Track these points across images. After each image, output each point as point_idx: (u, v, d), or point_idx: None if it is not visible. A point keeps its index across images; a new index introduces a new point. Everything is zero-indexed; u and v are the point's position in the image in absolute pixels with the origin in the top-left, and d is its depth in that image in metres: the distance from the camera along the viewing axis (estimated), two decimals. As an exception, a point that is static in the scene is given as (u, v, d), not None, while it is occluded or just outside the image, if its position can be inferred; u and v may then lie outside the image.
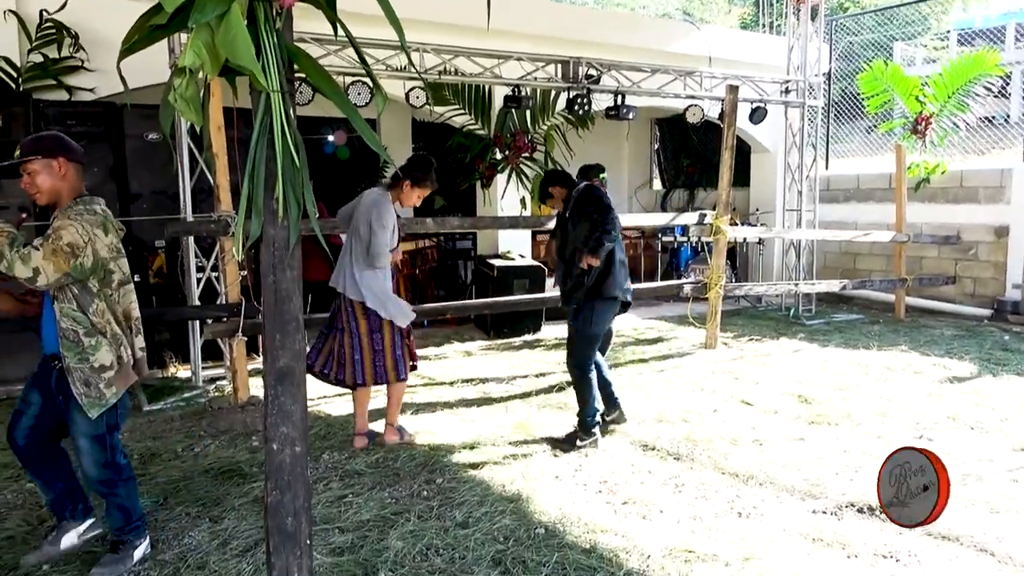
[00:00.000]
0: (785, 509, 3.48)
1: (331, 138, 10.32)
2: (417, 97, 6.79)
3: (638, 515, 3.41)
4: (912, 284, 8.58)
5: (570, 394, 4.79)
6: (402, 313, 4.31)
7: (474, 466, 4.04)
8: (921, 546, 3.07)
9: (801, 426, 4.75)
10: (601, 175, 4.88)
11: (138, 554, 3.02)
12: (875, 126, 11.42)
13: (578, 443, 4.34)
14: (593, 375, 4.47)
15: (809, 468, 3.99)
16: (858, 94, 11.40)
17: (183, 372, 6.31)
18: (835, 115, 11.43)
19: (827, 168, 9.93)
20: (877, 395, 5.42)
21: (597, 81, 7.75)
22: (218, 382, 6.01)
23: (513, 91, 7.31)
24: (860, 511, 3.43)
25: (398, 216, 4.40)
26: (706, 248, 9.35)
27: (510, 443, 4.43)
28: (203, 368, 6.15)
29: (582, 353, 4.45)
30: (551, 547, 3.05)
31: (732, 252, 10.70)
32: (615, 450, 4.29)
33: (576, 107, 7.56)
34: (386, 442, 4.39)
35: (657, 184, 13.40)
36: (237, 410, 5.20)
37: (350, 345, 4.27)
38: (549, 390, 5.62)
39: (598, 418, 4.46)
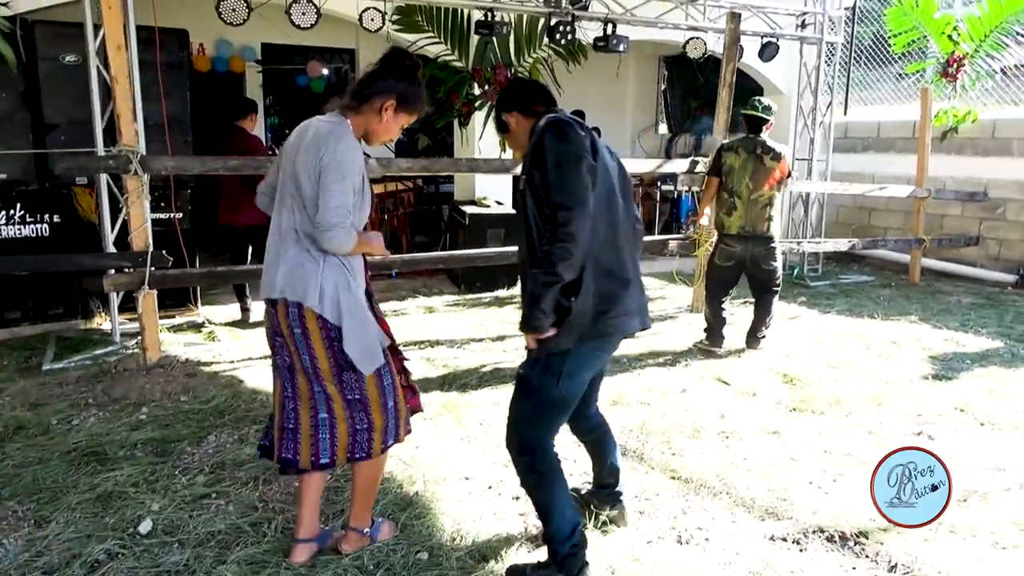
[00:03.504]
0: (737, 532, 2.81)
1: (317, 71, 9.59)
2: (372, 20, 5.97)
3: (553, 536, 2.76)
4: (930, 245, 7.75)
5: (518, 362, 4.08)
6: (369, 351, 2.37)
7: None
8: (900, 596, 2.41)
9: (780, 414, 4.07)
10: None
11: None
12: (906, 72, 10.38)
13: None
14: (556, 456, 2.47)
15: (778, 474, 3.32)
16: (890, 37, 10.34)
17: (108, 324, 5.72)
18: (865, 60, 10.38)
19: (845, 114, 8.98)
20: (875, 376, 4.70)
21: (585, 7, 6.87)
22: (139, 337, 5.41)
23: (485, 16, 6.46)
24: (830, 539, 2.76)
25: (366, 156, 2.77)
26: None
27: (432, 428, 3.78)
28: (128, 321, 5.57)
29: (533, 428, 2.42)
30: (426, 582, 2.42)
31: (738, 204, 9.86)
32: (553, 441, 3.62)
33: (559, 36, 6.71)
34: (347, 549, 2.60)
35: (664, 128, 12.43)
36: (142, 373, 4.61)
37: (307, 394, 2.41)
38: (500, 360, 4.98)
39: (579, 536, 2.42)
